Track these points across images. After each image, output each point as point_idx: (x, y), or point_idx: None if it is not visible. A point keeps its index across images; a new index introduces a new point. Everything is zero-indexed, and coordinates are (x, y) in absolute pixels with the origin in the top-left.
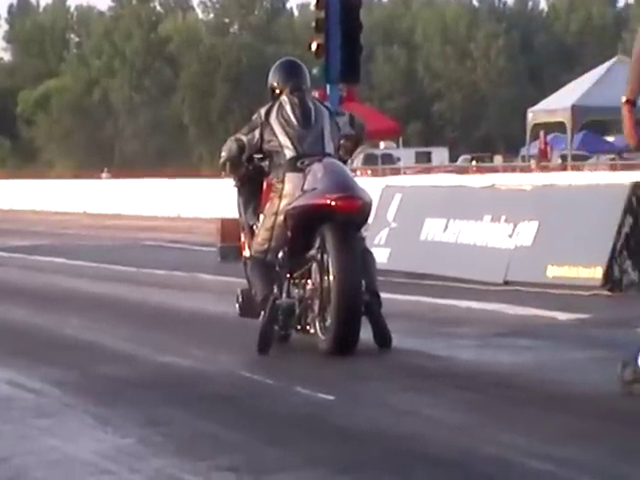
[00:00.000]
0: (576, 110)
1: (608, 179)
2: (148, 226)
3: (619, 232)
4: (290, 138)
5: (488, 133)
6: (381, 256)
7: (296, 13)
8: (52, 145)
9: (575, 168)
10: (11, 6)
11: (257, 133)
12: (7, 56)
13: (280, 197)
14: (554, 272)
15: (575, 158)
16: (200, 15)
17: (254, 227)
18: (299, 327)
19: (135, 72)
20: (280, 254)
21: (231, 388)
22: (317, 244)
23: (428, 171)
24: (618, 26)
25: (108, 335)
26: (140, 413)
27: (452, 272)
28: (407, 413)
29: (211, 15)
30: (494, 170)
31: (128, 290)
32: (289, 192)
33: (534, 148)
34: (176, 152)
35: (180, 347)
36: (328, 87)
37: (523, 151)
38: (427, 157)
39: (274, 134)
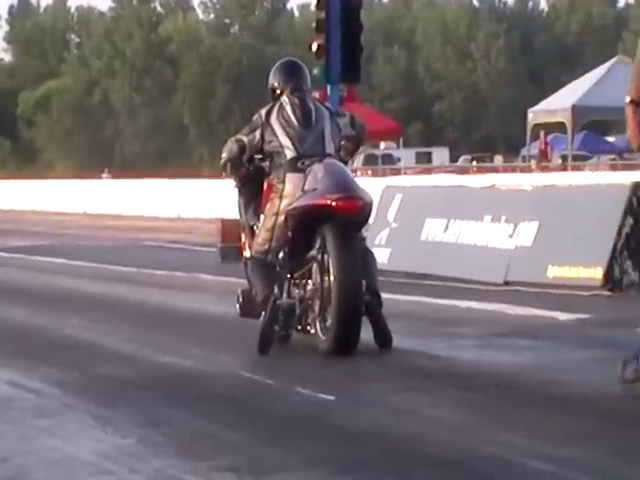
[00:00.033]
0: (576, 110)
1: (608, 179)
2: (148, 226)
3: (619, 232)
4: (291, 138)
5: (488, 133)
6: (381, 256)
7: (296, 14)
8: (52, 146)
9: (575, 168)
10: (11, 7)
11: (258, 134)
12: (7, 57)
13: (281, 197)
14: (554, 272)
15: (575, 158)
16: (200, 15)
17: (255, 227)
18: (299, 327)
19: (135, 72)
20: (281, 254)
21: (231, 388)
22: (318, 244)
23: (428, 171)
24: (618, 26)
25: (108, 335)
26: (140, 413)
27: (452, 272)
28: (407, 413)
29: (211, 16)
30: (494, 170)
31: (128, 290)
32: (290, 192)
33: (534, 148)
34: (176, 153)
35: (180, 347)
36: (328, 87)
37: (523, 151)
38: (427, 157)
39: (275, 134)
